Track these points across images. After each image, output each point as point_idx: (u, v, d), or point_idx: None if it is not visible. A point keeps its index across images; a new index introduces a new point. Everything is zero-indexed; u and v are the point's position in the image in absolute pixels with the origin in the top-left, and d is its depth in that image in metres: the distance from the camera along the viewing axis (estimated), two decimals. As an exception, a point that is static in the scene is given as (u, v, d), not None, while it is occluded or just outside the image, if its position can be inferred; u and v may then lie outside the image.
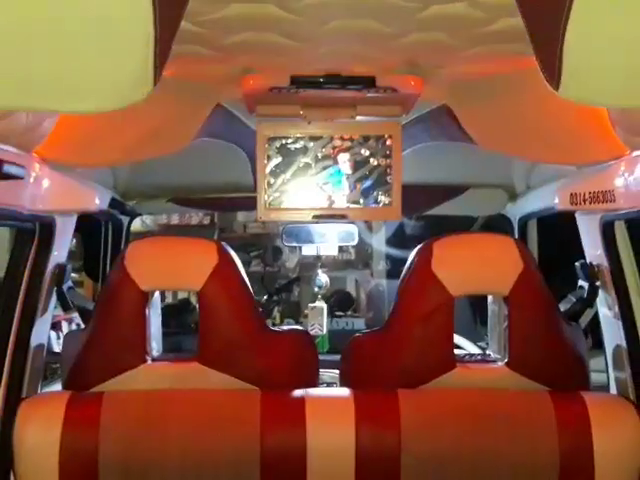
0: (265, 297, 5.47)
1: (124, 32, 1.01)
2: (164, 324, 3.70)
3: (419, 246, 2.22)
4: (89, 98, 1.08)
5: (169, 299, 6.48)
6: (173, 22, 1.07)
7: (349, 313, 5.03)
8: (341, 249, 5.59)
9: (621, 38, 0.99)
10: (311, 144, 2.46)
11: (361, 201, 2.48)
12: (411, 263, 2.21)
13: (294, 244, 3.34)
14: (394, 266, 4.84)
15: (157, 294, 2.33)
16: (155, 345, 2.27)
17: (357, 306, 5.32)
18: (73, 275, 2.59)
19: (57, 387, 2.43)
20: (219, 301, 2.15)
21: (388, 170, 2.45)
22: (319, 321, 3.24)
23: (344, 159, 2.46)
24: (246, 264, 6.99)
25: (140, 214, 3.36)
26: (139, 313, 2.15)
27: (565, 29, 0.98)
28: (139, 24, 1.00)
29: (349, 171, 2.47)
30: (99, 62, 1.04)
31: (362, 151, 2.45)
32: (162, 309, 5.01)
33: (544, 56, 1.05)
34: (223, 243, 2.27)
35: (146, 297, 2.16)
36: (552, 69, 1.04)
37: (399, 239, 5.06)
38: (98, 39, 1.01)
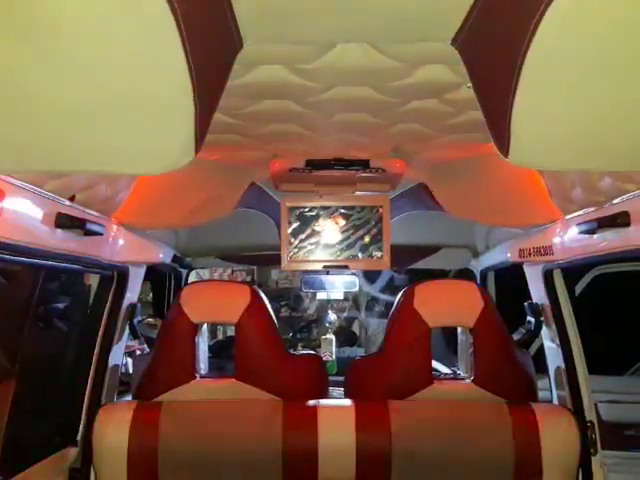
0: (291, 334, 5.39)
1: (170, 108, 0.97)
2: (215, 355, 3.60)
3: (404, 289, 2.18)
4: (142, 163, 1.04)
5: (220, 336, 6.43)
6: (211, 98, 1.03)
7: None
8: (346, 296, 5.57)
9: (561, 112, 0.94)
10: (322, 212, 2.45)
11: (359, 255, 2.46)
12: (398, 302, 2.16)
13: (310, 290, 3.28)
14: (387, 308, 4.80)
15: (205, 326, 2.27)
16: (202, 365, 2.21)
17: (359, 339, 5.29)
18: (150, 320, 2.55)
19: (128, 398, 2.36)
20: (251, 331, 2.09)
21: (380, 232, 2.43)
22: (329, 349, 3.16)
23: (347, 223, 2.45)
24: (277, 311, 7.03)
25: (195, 268, 3.32)
26: (190, 340, 2.10)
27: (513, 104, 0.93)
28: (182, 102, 0.96)
29: (350, 232, 2.45)
30: (150, 133, 1.00)
31: (360, 217, 2.44)
32: (214, 344, 4.94)
33: (495, 127, 1.00)
34: (255, 287, 2.22)
35: (196, 328, 2.11)
36: (502, 138, 0.99)
37: (390, 288, 5.03)
38: (150, 114, 0.97)
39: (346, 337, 5.24)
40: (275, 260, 2.54)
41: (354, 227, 2.44)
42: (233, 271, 7.31)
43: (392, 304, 2.22)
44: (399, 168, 2.11)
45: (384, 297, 5.29)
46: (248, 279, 7.61)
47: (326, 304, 3.42)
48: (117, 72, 0.89)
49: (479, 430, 1.97)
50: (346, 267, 2.49)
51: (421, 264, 3.08)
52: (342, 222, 2.45)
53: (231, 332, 5.39)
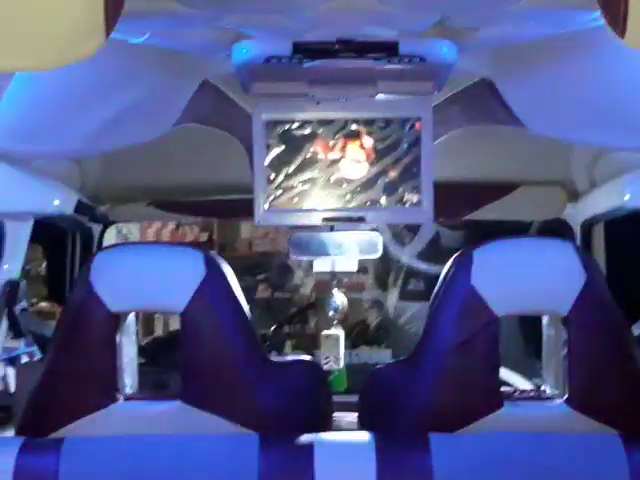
0: (273, 328, 5.44)
1: None
2: (151, 361, 3.65)
3: (455, 255, 2.20)
4: (20, 53, 1.04)
5: (159, 331, 6.51)
6: None
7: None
8: (363, 265, 5.58)
9: None
10: (321, 130, 2.45)
11: (383, 200, 2.46)
12: (445, 276, 2.18)
13: (303, 257, 3.28)
14: (428, 286, 4.83)
15: (132, 317, 2.29)
16: (129, 381, 2.23)
17: (384, 335, 5.32)
18: (44, 306, 2.57)
19: (10, 433, 2.40)
20: (205, 324, 2.11)
21: (416, 161, 2.44)
22: (334, 353, 3.18)
23: (362, 148, 2.45)
24: (251, 290, 7.10)
25: (114, 221, 3.33)
26: (108, 340, 2.12)
27: None
28: None
29: (368, 163, 2.45)
30: (30, 6, 1.00)
31: (384, 138, 2.45)
32: (150, 343, 5.01)
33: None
34: (212, 252, 2.24)
35: (117, 320, 2.13)
36: (616, 6, 0.99)
37: (434, 252, 5.02)
38: None
39: (362, 332, 5.27)
40: (245, 208, 2.56)
41: (374, 154, 2.46)
42: (179, 226, 7.37)
43: (436, 279, 2.24)
44: (447, 55, 2.10)
45: (424, 267, 5.29)
46: (203, 239, 7.65)
47: (329, 279, 3.42)
48: None
49: (577, 479, 2.00)
50: (361, 220, 2.52)
51: (484, 213, 3.09)
52: (354, 146, 2.46)
53: (176, 324, 5.45)
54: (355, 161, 2.47)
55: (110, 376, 2.11)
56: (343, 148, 2.46)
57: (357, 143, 2.46)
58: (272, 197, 2.46)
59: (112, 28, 1.04)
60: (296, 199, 2.46)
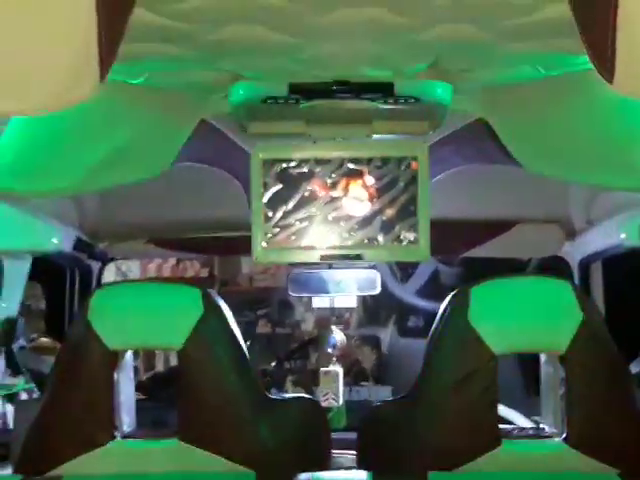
0: (273, 364, 5.42)
1: (56, 13, 0.98)
2: (152, 396, 3.63)
3: (453, 293, 2.19)
4: (16, 96, 1.05)
5: (160, 366, 6.47)
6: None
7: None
8: (362, 302, 5.55)
9: None
10: (318, 169, 2.45)
11: (380, 238, 2.45)
12: (443, 314, 2.18)
13: (302, 294, 3.29)
14: (427, 322, 4.82)
15: (129, 354, 2.29)
16: (127, 418, 2.23)
17: (382, 372, 5.30)
18: (44, 342, 2.57)
19: (8, 471, 2.39)
20: (203, 361, 2.12)
21: (413, 200, 2.43)
22: (333, 389, 3.17)
23: (359, 187, 2.45)
24: (251, 325, 7.07)
25: (114, 258, 3.34)
26: (106, 378, 2.12)
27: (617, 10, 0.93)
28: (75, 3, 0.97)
29: (365, 202, 2.45)
30: (27, 51, 1.01)
31: (381, 176, 2.44)
32: (151, 379, 4.97)
33: (590, 30, 1.00)
34: (211, 290, 2.24)
35: (115, 358, 2.13)
36: (602, 50, 1.00)
37: (433, 289, 5.02)
38: (24, 22, 0.98)
39: (360, 369, 5.24)
40: (244, 245, 2.56)
41: (372, 193, 2.45)
42: (179, 261, 7.35)
43: (435, 316, 2.24)
44: (441, 95, 2.12)
45: (423, 304, 5.30)
46: (204, 274, 7.62)
47: (329, 316, 3.43)
48: None
49: None
50: (359, 258, 2.50)
51: (482, 251, 3.10)
52: (351, 185, 2.46)
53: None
54: (357, 199, 2.47)
55: (108, 414, 2.11)
56: (345, 186, 2.46)
57: (359, 182, 2.46)
58: (270, 235, 2.45)
59: (107, 71, 1.05)
60: (294, 237, 2.45)
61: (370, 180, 2.45)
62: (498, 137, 2.32)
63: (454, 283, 4.53)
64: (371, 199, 2.46)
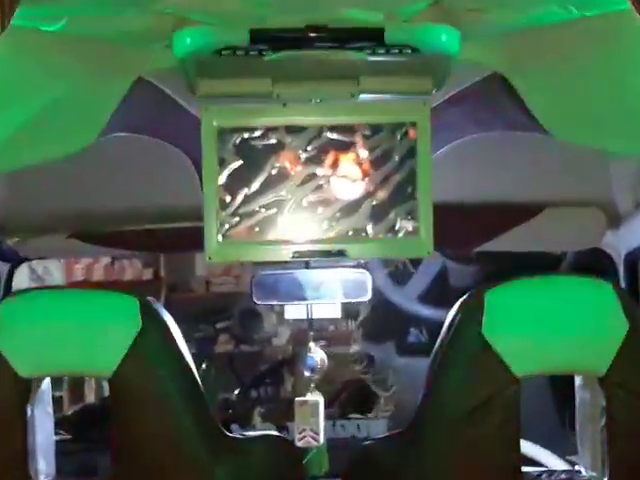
0: (238, 391, 5.42)
1: None
2: (80, 436, 3.63)
3: (463, 298, 2.22)
4: None
5: (91, 397, 6.47)
6: None
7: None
8: (349, 310, 5.55)
9: None
10: (289, 139, 2.45)
11: (369, 229, 2.46)
12: (450, 326, 2.20)
13: (271, 302, 3.28)
14: (432, 337, 4.82)
15: (47, 383, 2.29)
16: (44, 464, 2.24)
17: (375, 400, 5.31)
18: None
19: None
20: (143, 393, 2.14)
21: (411, 179, 2.44)
22: (312, 424, 3.16)
23: (342, 163, 2.46)
24: (210, 341, 7.06)
25: (26, 259, 3.34)
26: (17, 413, 2.14)
27: None
28: None
29: (350, 181, 2.46)
30: None
31: (370, 150, 2.45)
32: (78, 413, 4.98)
33: None
34: (151, 299, 2.24)
35: (28, 387, 2.15)
36: None
37: (439, 293, 5.02)
38: None
39: (349, 396, 5.23)
40: (195, 239, 2.56)
41: (358, 170, 2.46)
42: (114, 261, 7.34)
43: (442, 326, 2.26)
44: (446, 43, 2.11)
45: (427, 313, 5.29)
46: (147, 277, 7.60)
47: (306, 329, 3.42)
48: None
49: None
50: (342, 254, 2.50)
51: (501, 243, 3.11)
52: (332, 160, 2.46)
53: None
54: (339, 179, 2.45)
55: (19, 458, 2.13)
56: (324, 162, 2.45)
57: (343, 156, 2.45)
58: (227, 226, 2.45)
59: (11, 14, 1.05)
60: (258, 228, 2.46)
61: (357, 154, 2.46)
62: (519, 96, 2.33)
63: (467, 285, 4.52)
64: (358, 178, 2.46)
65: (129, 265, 7.40)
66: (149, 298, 2.24)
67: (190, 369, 2.20)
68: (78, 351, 2.16)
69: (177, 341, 2.20)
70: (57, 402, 6.62)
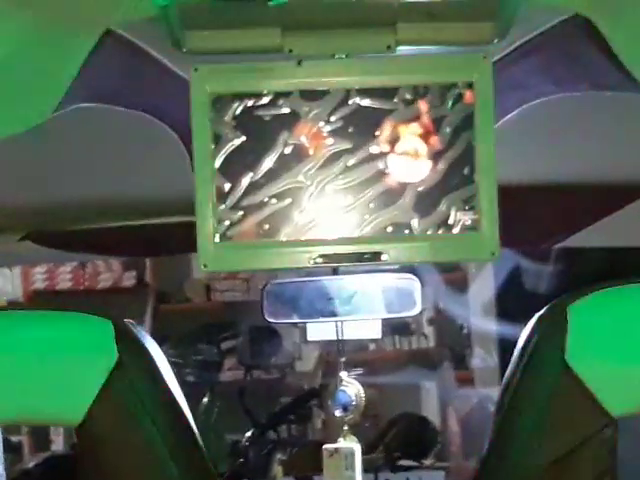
0: (250, 433, 5.47)
1: None
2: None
3: (539, 313, 2.27)
4: None
5: (57, 445, 6.55)
6: None
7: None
8: (396, 328, 5.58)
9: None
10: (306, 107, 2.46)
11: (414, 223, 2.47)
12: (524, 347, 2.25)
13: (287, 320, 3.29)
14: (504, 362, 4.82)
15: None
16: None
17: (430, 444, 5.35)
18: None
19: None
20: (117, 444, 2.18)
21: (468, 156, 2.45)
22: (347, 478, 3.20)
23: (376, 138, 2.46)
24: (213, 366, 7.11)
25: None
26: None
27: None
28: None
29: (388, 162, 2.46)
30: None
31: (413, 119, 2.45)
32: (41, 465, 5.08)
33: None
34: (128, 321, 2.26)
35: None
36: None
37: (512, 302, 5.03)
38: None
39: (405, 435, 5.28)
40: (187, 238, 2.58)
41: (399, 147, 2.46)
42: (84, 264, 7.40)
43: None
44: None
45: (495, 329, 5.30)
46: (129, 282, 7.65)
47: (336, 355, 3.44)
48: None
49: None
50: (378, 257, 2.52)
51: (590, 237, 3.16)
52: (363, 135, 2.46)
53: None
54: (373, 159, 2.44)
55: None
56: (353, 137, 2.44)
57: (376, 129, 2.44)
58: (227, 222, 2.45)
59: None
60: (267, 225, 2.46)
61: (395, 125, 2.46)
62: (609, 45, 2.34)
63: (547, 291, 4.48)
64: (397, 158, 2.47)
65: (105, 269, 7.44)
66: (127, 321, 2.26)
67: (180, 410, 2.22)
68: (36, 392, 2.19)
69: (163, 375, 2.22)
70: (15, 450, 6.68)
